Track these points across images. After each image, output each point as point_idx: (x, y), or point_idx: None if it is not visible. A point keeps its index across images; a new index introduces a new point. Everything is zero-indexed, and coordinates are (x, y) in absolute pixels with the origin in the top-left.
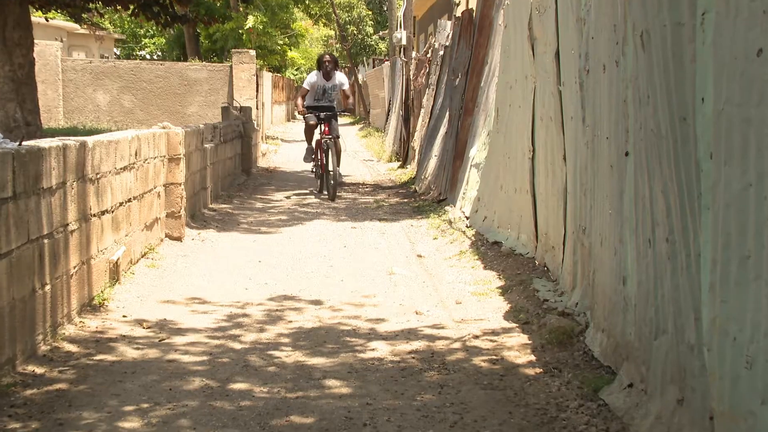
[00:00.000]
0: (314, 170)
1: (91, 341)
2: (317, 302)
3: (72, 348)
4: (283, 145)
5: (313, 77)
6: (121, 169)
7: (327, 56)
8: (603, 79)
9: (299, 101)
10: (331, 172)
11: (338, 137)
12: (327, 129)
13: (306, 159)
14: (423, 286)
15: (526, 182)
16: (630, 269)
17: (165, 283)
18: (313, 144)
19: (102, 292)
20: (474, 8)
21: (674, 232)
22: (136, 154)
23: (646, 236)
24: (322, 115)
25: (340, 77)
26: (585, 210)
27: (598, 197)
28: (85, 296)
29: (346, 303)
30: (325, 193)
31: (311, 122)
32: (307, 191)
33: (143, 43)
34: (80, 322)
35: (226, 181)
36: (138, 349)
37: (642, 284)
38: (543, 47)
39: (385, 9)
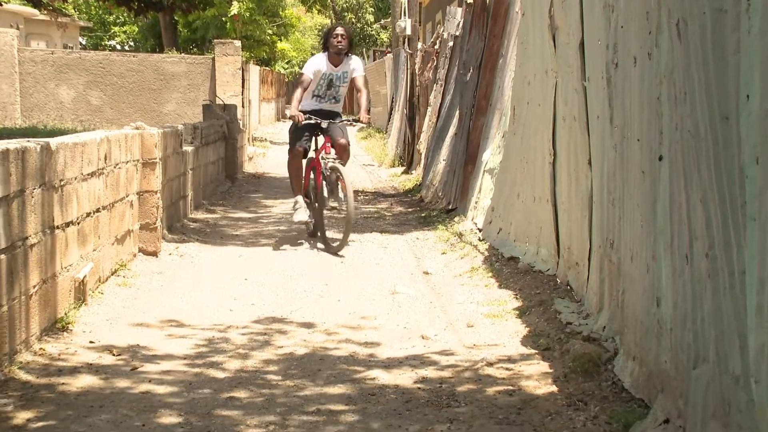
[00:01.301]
0: (307, 222)
1: (52, 370)
2: (310, 325)
3: (30, 378)
4: (272, 148)
5: (317, 62)
6: (88, 175)
7: (339, 29)
8: (634, 73)
9: (297, 95)
10: (344, 210)
11: (345, 146)
12: (329, 144)
13: (299, 217)
14: (430, 307)
15: (546, 190)
16: (665, 289)
17: (138, 303)
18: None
19: (66, 314)
20: None
21: (715, 247)
22: (105, 158)
23: (682, 251)
24: (323, 123)
25: (354, 62)
26: (613, 221)
27: (628, 207)
28: (46, 319)
29: (343, 326)
30: (323, 244)
31: (299, 147)
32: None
33: (113, 31)
34: (40, 348)
35: (208, 189)
36: (106, 379)
37: (678, 306)
38: (565, 37)
39: None
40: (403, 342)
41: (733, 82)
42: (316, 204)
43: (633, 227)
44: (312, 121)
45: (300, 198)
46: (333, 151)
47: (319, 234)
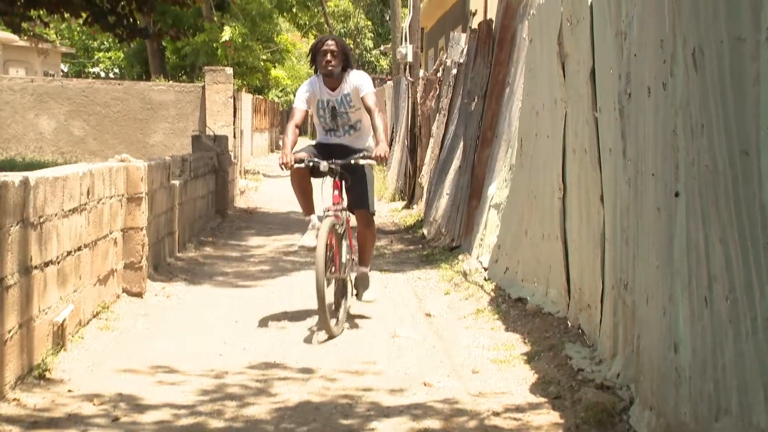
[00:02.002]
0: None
1: (27, 423)
2: (306, 371)
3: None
4: (265, 181)
5: (309, 88)
6: (69, 211)
7: (328, 43)
8: (648, 104)
9: (288, 132)
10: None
11: (364, 217)
12: (339, 194)
13: (305, 241)
14: (433, 352)
15: (555, 227)
16: (683, 334)
17: (122, 348)
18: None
19: (44, 360)
20: (493, 19)
21: (736, 290)
22: (88, 193)
23: (701, 294)
24: (324, 165)
25: (356, 78)
26: (627, 261)
27: (643, 246)
28: (22, 366)
29: (341, 371)
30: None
31: (303, 164)
32: (294, 236)
33: (97, 57)
34: (15, 399)
35: (196, 225)
36: (86, 431)
37: (698, 352)
38: (575, 66)
39: (388, 19)
40: (404, 389)
41: (752, 114)
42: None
43: (648, 267)
44: (302, 165)
45: (314, 218)
46: (344, 199)
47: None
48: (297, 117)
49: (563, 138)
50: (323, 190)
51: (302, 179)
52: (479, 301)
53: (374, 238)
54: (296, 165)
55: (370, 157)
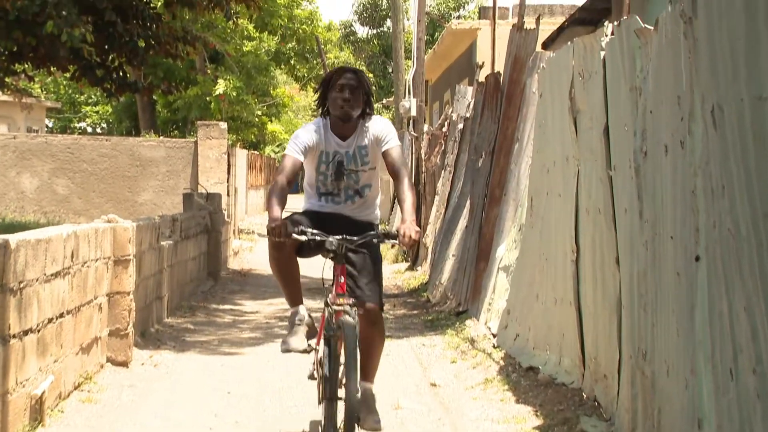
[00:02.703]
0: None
1: None
2: None
3: None
4: (260, 242)
5: (309, 134)
6: (52, 275)
7: (348, 74)
8: (665, 163)
9: (275, 195)
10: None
11: (375, 315)
12: (343, 283)
13: (293, 344)
14: (438, 425)
15: (569, 291)
16: (707, 408)
17: (105, 423)
18: (315, 352)
19: None
20: (501, 72)
21: (764, 362)
22: (72, 256)
23: (726, 366)
24: (331, 243)
25: (377, 126)
26: (645, 329)
27: (662, 313)
28: None
29: None
30: None
31: (287, 234)
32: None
33: (83, 112)
34: None
35: (187, 288)
36: None
37: (724, 429)
38: (588, 122)
39: (390, 71)
40: None
41: None
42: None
43: (668, 336)
44: (303, 238)
45: (302, 309)
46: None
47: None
48: (289, 170)
49: (576, 197)
50: (324, 270)
51: (290, 259)
52: (488, 370)
53: (383, 340)
54: (295, 236)
55: (394, 237)
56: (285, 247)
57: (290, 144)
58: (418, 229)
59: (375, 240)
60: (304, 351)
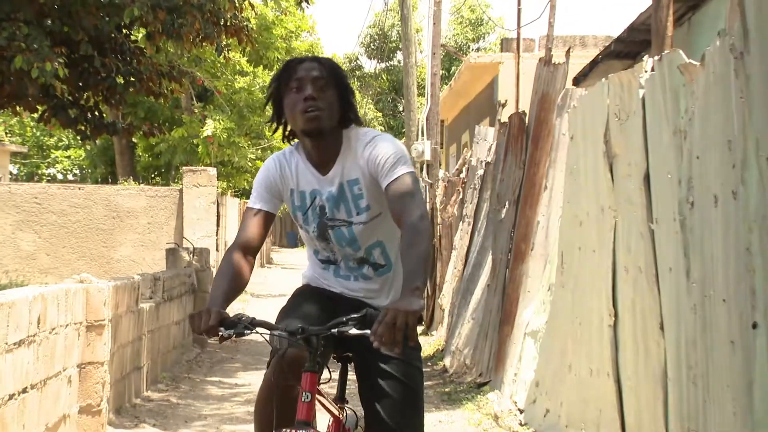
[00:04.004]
0: None
1: None
2: None
3: None
4: (252, 302)
5: (269, 168)
6: (14, 344)
7: (307, 63)
8: (715, 215)
9: (220, 274)
10: None
11: None
12: (308, 404)
13: None
14: None
15: (606, 361)
16: None
17: None
18: None
19: None
20: (526, 111)
21: None
22: (38, 322)
23: None
24: (284, 334)
25: (371, 146)
26: (696, 405)
27: (715, 387)
28: None
29: None
30: None
31: (283, 359)
32: None
33: (53, 157)
34: None
35: (170, 357)
36: None
37: None
38: (626, 168)
39: (401, 110)
40: None
41: None
42: None
43: (723, 414)
44: (230, 332)
45: None
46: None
47: None
48: (243, 232)
49: (613, 253)
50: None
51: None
52: None
53: None
54: (222, 332)
55: (369, 325)
56: (284, 369)
57: (255, 190)
58: (415, 308)
59: (339, 329)
60: None
